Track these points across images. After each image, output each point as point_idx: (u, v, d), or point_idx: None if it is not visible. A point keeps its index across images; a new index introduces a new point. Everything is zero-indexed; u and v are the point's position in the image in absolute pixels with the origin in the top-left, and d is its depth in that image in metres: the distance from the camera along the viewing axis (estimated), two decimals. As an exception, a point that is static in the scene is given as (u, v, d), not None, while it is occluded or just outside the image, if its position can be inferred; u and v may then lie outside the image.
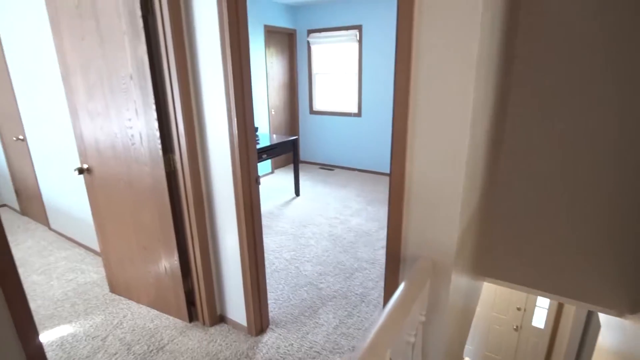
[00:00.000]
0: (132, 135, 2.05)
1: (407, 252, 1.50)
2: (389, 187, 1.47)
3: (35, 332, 1.41)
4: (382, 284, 2.77)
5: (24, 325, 1.36)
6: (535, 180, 2.10)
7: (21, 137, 3.63)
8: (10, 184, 4.28)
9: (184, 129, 1.92)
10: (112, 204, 2.34)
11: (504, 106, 2.06)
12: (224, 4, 1.66)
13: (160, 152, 1.98)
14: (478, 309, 4.57)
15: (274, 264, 3.11)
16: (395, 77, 1.31)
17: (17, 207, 4.36)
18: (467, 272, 1.89)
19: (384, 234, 3.65)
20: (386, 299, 1.64)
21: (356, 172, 5.96)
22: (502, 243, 2.31)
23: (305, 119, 6.35)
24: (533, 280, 2.29)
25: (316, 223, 3.94)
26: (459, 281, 1.64)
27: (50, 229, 3.86)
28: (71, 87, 2.20)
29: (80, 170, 2.32)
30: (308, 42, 5.90)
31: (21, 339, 1.35)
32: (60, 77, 2.69)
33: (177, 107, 1.90)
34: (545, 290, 2.29)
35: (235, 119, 1.80)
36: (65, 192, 3.36)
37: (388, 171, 5.14)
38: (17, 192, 4.22)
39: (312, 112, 6.23)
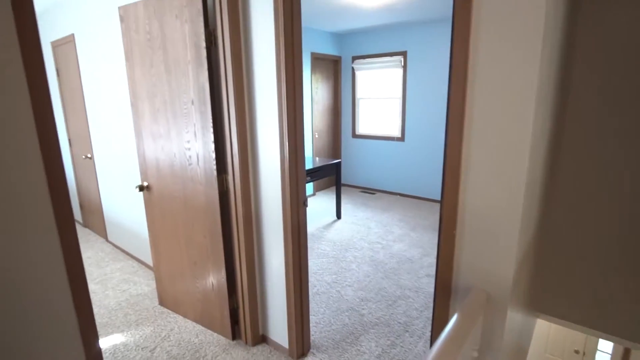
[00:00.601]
0: (190, 156, 2.18)
1: (458, 282, 1.45)
2: (440, 214, 1.44)
3: (96, 338, 1.50)
4: (427, 313, 2.67)
5: (88, 331, 1.45)
6: (597, 212, 1.97)
7: (89, 155, 3.98)
8: (76, 198, 4.66)
9: (238, 151, 2.01)
10: (166, 220, 2.48)
11: (562, 132, 1.98)
12: (281, 38, 1.76)
13: (215, 173, 2.08)
14: (530, 349, 4.24)
15: (315, 286, 3.10)
16: (449, 103, 1.31)
17: (80, 219, 4.72)
18: (522, 307, 1.78)
19: (428, 261, 3.53)
20: (435, 330, 1.58)
21: (398, 196, 5.87)
22: (560, 277, 2.16)
23: (347, 142, 6.41)
24: (595, 320, 2.11)
25: (357, 247, 3.90)
26: (515, 316, 1.55)
27: (107, 241, 4.13)
28: (138, 111, 2.40)
29: (141, 188, 2.50)
30: (353, 68, 6.03)
31: (84, 343, 1.44)
32: (128, 102, 2.95)
33: (232, 131, 2.01)
34: (609, 333, 2.09)
35: (287, 143, 1.87)
36: (123, 208, 3.60)
37: (432, 196, 5.02)
38: (82, 206, 4.58)
39: (354, 135, 6.29)
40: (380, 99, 5.90)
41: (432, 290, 2.99)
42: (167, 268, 2.62)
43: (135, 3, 2.20)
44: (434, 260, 3.51)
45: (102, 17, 3.09)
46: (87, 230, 4.56)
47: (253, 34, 1.90)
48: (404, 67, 5.45)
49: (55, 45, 4.04)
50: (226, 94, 1.97)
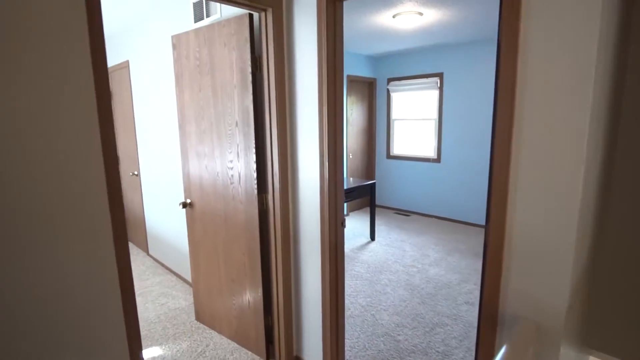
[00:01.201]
0: (232, 175, 2.27)
1: (505, 311, 1.38)
2: (485, 237, 1.40)
3: (140, 348, 1.56)
4: (467, 343, 2.55)
5: (134, 340, 1.51)
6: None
7: (136, 172, 4.21)
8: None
9: (278, 171, 2.07)
10: (207, 237, 2.56)
11: (614, 147, 1.88)
12: (324, 63, 1.82)
13: (256, 192, 2.14)
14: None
15: (349, 309, 3.05)
16: (494, 123, 1.30)
17: (124, 233, 4.96)
18: (576, 342, 1.66)
19: (467, 287, 3.39)
20: (479, 361, 1.50)
21: (434, 219, 5.73)
22: (618, 310, 2.00)
23: (381, 163, 6.39)
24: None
25: (392, 270, 3.82)
26: (568, 354, 1.45)
27: (148, 254, 4.30)
28: (185, 132, 2.54)
29: (184, 205, 2.60)
30: (388, 90, 6.07)
31: (130, 352, 1.50)
32: (175, 124, 3.12)
33: (273, 151, 2.07)
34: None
35: (327, 164, 1.90)
36: (164, 223, 3.75)
37: (469, 220, 4.86)
38: (127, 220, 4.83)
39: (389, 156, 6.26)
40: (416, 120, 5.87)
41: (472, 319, 2.86)
42: (205, 284, 2.69)
43: (187, 32, 2.36)
44: (474, 287, 3.37)
45: (155, 45, 3.33)
46: (130, 243, 4.77)
47: (296, 59, 1.98)
48: (440, 88, 5.41)
49: (112, 70, 4.38)
50: (269, 116, 2.05)
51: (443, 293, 3.31)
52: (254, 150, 2.10)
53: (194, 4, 2.67)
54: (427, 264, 3.98)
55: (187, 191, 2.64)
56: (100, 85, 1.28)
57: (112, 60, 4.37)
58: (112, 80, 4.43)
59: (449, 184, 5.54)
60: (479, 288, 3.35)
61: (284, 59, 2.02)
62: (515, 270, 1.32)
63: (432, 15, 3.64)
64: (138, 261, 4.17)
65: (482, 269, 1.44)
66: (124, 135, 4.36)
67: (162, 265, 3.98)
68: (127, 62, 3.93)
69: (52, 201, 1.25)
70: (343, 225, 2.06)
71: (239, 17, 2.03)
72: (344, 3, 1.87)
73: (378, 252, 4.33)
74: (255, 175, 2.12)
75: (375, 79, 6.18)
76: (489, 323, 1.43)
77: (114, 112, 4.51)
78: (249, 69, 2.03)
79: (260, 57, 2.05)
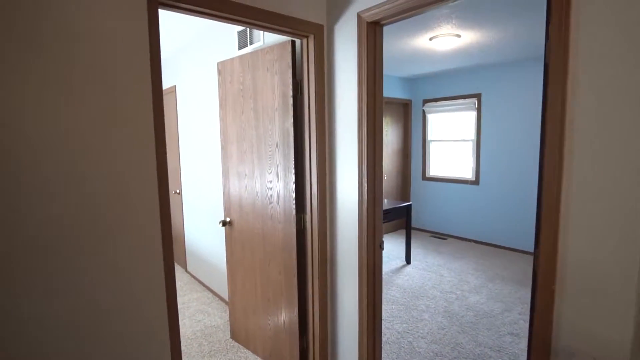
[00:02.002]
0: (271, 195, 2.32)
1: (558, 345, 1.29)
2: (534, 266, 1.34)
3: (182, 365, 1.58)
4: (512, 378, 2.39)
5: (175, 354, 1.54)
6: None
7: (178, 191, 4.40)
8: (162, 229, 5.12)
9: (317, 192, 2.10)
10: (245, 255, 2.61)
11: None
12: (364, 86, 1.86)
13: (294, 212, 2.18)
14: None
15: (385, 334, 2.96)
16: (543, 144, 1.26)
17: (164, 249, 5.15)
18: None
19: (510, 317, 3.21)
20: (530, 398, 1.40)
21: (472, 243, 5.51)
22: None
23: (417, 184, 6.28)
24: None
25: (430, 296, 3.69)
26: (632, 394, 1.33)
27: (186, 271, 4.43)
28: (227, 153, 2.64)
29: (224, 223, 2.68)
30: (423, 111, 6.03)
31: (172, 369, 1.53)
32: (216, 145, 3.25)
33: (312, 172, 2.11)
34: None
35: (366, 186, 1.91)
36: (203, 241, 3.87)
37: (510, 245, 4.64)
38: (166, 237, 5.01)
39: (425, 178, 6.15)
40: (453, 141, 5.77)
41: (518, 351, 2.69)
42: (241, 302, 2.72)
43: (232, 59, 2.50)
44: (518, 317, 3.18)
45: (200, 71, 3.53)
46: (169, 259, 4.93)
47: (336, 83, 2.03)
48: (478, 109, 5.31)
49: (159, 95, 4.67)
50: (308, 137, 2.10)
51: (485, 322, 3.14)
52: (293, 170, 2.14)
53: (239, 33, 2.82)
54: (466, 290, 3.81)
55: (227, 210, 2.72)
56: (157, 112, 1.38)
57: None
58: (160, 104, 4.72)
59: (488, 207, 5.34)
60: (524, 318, 3.17)
61: (324, 83, 2.08)
62: (570, 300, 1.24)
63: (469, 37, 3.63)
64: (177, 277, 4.30)
65: (531, 298, 1.37)
66: (169, 155, 4.60)
67: (200, 282, 4.08)
68: (174, 87, 4.18)
69: (113, 214, 1.34)
70: (381, 247, 2.03)
71: (282, 44, 2.13)
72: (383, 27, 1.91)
73: (414, 277, 4.21)
74: (294, 195, 2.16)
75: (410, 101, 6.18)
76: (540, 357, 1.34)
77: (159, 134, 4.79)
78: (291, 93, 2.10)
79: (301, 81, 2.12)
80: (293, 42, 2.09)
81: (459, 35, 3.55)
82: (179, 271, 4.47)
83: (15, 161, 1.13)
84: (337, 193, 2.11)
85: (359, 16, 1.86)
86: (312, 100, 2.05)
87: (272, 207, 2.33)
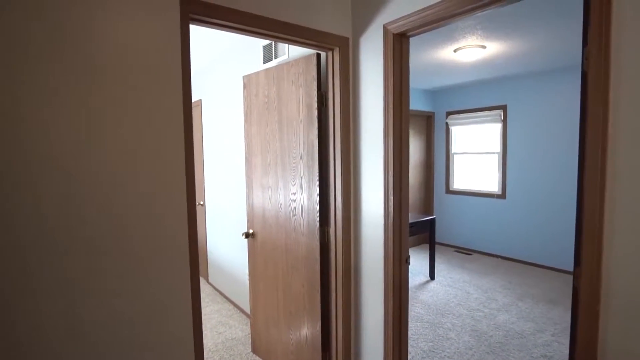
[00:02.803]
0: (295, 208, 2.31)
1: (604, 371, 1.20)
2: (575, 285, 1.26)
3: (206, 379, 1.56)
4: (548, 405, 2.24)
5: (199, 370, 1.52)
6: None
7: (201, 202, 4.46)
8: (185, 240, 5.19)
9: (341, 204, 2.07)
10: (267, 268, 2.59)
11: None
12: (390, 98, 1.84)
13: (317, 224, 2.15)
14: None
15: (410, 353, 2.86)
16: (582, 157, 1.19)
17: (186, 260, 5.21)
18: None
19: (543, 339, 3.04)
20: None
21: (498, 259, 5.32)
22: None
23: (440, 198, 6.15)
24: None
25: (455, 313, 3.55)
26: None
27: (208, 282, 4.45)
28: (251, 165, 2.66)
29: (247, 235, 2.68)
30: (447, 124, 5.94)
31: (196, 383, 1.51)
32: (240, 157, 3.29)
33: (337, 185, 2.09)
34: None
35: (392, 199, 1.87)
36: (225, 253, 3.88)
37: (539, 261, 4.45)
38: (189, 247, 5.07)
39: (448, 191, 6.02)
40: (477, 153, 5.64)
41: (553, 375, 2.54)
42: (263, 315, 2.69)
43: (257, 72, 2.54)
44: (551, 339, 3.02)
45: (225, 85, 3.61)
46: (191, 270, 4.98)
47: (362, 95, 2.02)
48: (504, 120, 5.19)
49: (185, 108, 4.79)
50: (333, 149, 2.09)
51: (515, 343, 2.99)
52: (317, 183, 2.13)
53: (264, 47, 2.87)
54: (494, 308, 3.65)
55: (250, 222, 2.72)
56: (187, 127, 1.40)
57: (186, 99, 4.80)
58: (185, 117, 4.84)
59: (516, 222, 5.16)
60: (557, 340, 3.00)
61: (349, 95, 2.07)
62: (617, 323, 1.16)
63: (495, 48, 3.57)
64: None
65: (572, 319, 1.29)
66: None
67: (221, 293, 4.08)
68: (200, 101, 4.29)
69: (145, 224, 1.35)
70: (407, 262, 1.98)
71: (307, 57, 2.14)
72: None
73: (439, 293, 4.08)
74: (317, 207, 2.14)
75: (433, 113, 6.11)
76: (584, 384, 1.25)
77: (184, 146, 4.90)
78: (315, 105, 2.11)
79: (326, 93, 2.13)
80: (318, 55, 2.10)
81: (484, 47, 3.50)
82: (201, 282, 4.50)
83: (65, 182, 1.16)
84: (361, 206, 2.08)
85: (385, 28, 1.85)
86: (337, 112, 2.05)
87: (295, 219, 2.31)
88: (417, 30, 1.79)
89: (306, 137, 2.19)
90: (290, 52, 2.57)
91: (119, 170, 1.29)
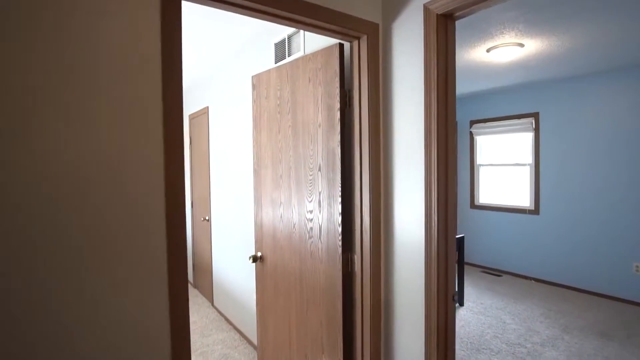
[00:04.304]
0: (311, 228, 1.93)
1: None
2: None
3: None
4: None
5: None
6: None
7: (207, 217, 4.11)
8: (191, 258, 4.84)
9: (369, 226, 1.68)
10: (278, 298, 2.20)
11: None
12: (433, 96, 1.47)
13: (340, 250, 1.77)
14: None
15: (445, 400, 2.41)
16: None
17: (191, 279, 4.84)
18: None
19: (604, 385, 2.56)
20: None
21: (532, 281, 4.82)
22: None
23: (464, 213, 5.69)
24: None
25: (493, 348, 3.09)
26: None
27: (213, 305, 4.06)
28: (260, 177, 2.30)
29: (254, 259, 2.30)
30: (471, 133, 5.53)
31: None
32: (249, 169, 2.94)
33: (364, 202, 1.71)
34: None
35: (436, 220, 1.48)
36: (231, 274, 3.51)
37: (582, 286, 3.89)
38: (194, 266, 4.71)
39: (473, 206, 5.57)
40: (506, 165, 5.20)
41: None
42: (272, 351, 2.29)
43: (268, 70, 2.20)
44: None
45: (233, 90, 3.29)
46: (195, 291, 4.61)
47: (394, 92, 1.66)
48: (536, 129, 4.76)
49: (192, 117, 4.50)
50: (359, 159, 1.72)
51: (571, 389, 2.52)
52: (339, 199, 1.76)
53: (276, 45, 2.54)
54: (537, 343, 3.17)
55: (259, 243, 2.35)
56: (171, 123, 1.05)
57: (193, 107, 4.51)
58: (193, 127, 4.54)
59: (552, 240, 4.67)
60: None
61: (379, 93, 1.71)
62: None
63: (534, 46, 3.18)
64: (202, 312, 3.94)
65: None
66: (199, 180, 4.36)
67: (227, 319, 3.69)
68: (207, 108, 3.98)
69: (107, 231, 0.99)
70: (454, 300, 1.57)
71: (327, 49, 1.79)
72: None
73: (470, 322, 3.61)
74: (339, 229, 1.76)
75: (455, 122, 5.70)
76: None
77: (191, 158, 4.58)
78: (337, 106, 1.75)
79: (350, 91, 1.77)
80: (341, 46, 1.75)
81: (522, 45, 3.12)
82: (204, 306, 4.12)
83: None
84: (394, 228, 1.69)
85: (425, 8, 1.49)
86: (365, 113, 1.68)
87: (312, 242, 1.93)
88: (467, 9, 1.43)
89: (325, 145, 1.82)
90: (306, 48, 2.23)
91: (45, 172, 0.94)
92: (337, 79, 1.75)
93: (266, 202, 2.26)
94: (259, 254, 2.33)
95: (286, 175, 2.09)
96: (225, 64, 3.44)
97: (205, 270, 4.28)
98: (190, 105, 4.63)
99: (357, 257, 1.76)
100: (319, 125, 1.86)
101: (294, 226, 2.05)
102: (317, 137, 1.87)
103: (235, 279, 3.44)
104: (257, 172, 2.34)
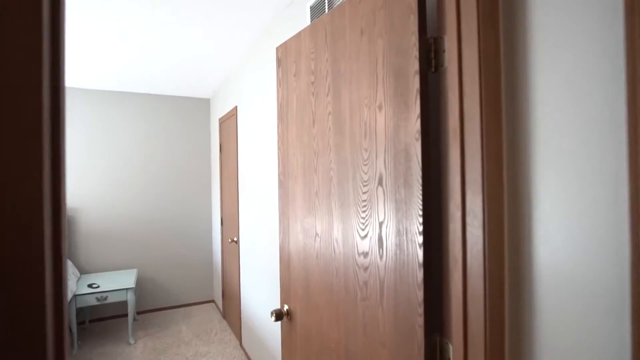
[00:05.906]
0: (365, 283, 1.14)
1: None
2: None
3: None
4: None
5: None
6: None
7: (235, 239, 3.46)
8: (220, 282, 4.22)
9: (483, 287, 0.86)
10: (313, 381, 1.42)
11: None
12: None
13: (421, 329, 0.96)
14: None
15: None
16: None
17: (220, 307, 4.21)
18: None
19: None
20: None
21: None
22: None
23: None
24: None
25: None
26: None
27: (241, 345, 3.37)
28: (288, 194, 1.56)
29: (279, 316, 1.55)
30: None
31: None
32: (276, 182, 2.22)
33: (468, 237, 0.89)
34: None
35: (674, 302, 0.63)
36: (259, 308, 2.79)
37: None
38: (224, 293, 4.08)
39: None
40: None
41: None
42: None
43: (298, 34, 1.47)
44: None
45: (265, 78, 2.63)
46: (224, 323, 3.95)
47: (530, 46, 0.84)
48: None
49: (222, 120, 3.92)
50: (460, 163, 0.91)
51: None
52: (418, 234, 0.96)
53: (312, 8, 1.83)
54: None
55: (285, 292, 1.60)
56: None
57: (222, 110, 3.94)
58: (222, 132, 3.97)
59: None
60: None
61: (499, 36, 0.90)
62: None
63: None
64: (227, 353, 3.25)
65: None
66: (228, 194, 3.74)
67: (255, 367, 2.97)
68: (235, 108, 3.37)
69: None
70: None
71: (393, -27, 1.03)
72: None
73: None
74: (420, 293, 0.96)
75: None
76: None
77: (221, 169, 3.99)
78: (415, 66, 0.97)
79: (438, 40, 0.98)
80: (420, -38, 0.97)
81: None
82: (231, 345, 3.43)
83: None
84: (535, 297, 0.85)
85: None
86: (473, 77, 0.88)
87: (366, 305, 1.14)
88: None
89: (391, 139, 1.04)
90: None
91: None
92: (415, 20, 0.97)
93: (295, 232, 1.51)
94: (286, 307, 1.58)
95: (324, 191, 1.32)
96: (254, 46, 2.80)
97: (233, 298, 3.61)
98: (219, 108, 4.07)
99: (458, 348, 0.93)
100: (379, 107, 1.08)
101: (336, 273, 1.28)
102: (375, 127, 1.10)
103: (264, 315, 2.72)
104: (283, 185, 1.60)
